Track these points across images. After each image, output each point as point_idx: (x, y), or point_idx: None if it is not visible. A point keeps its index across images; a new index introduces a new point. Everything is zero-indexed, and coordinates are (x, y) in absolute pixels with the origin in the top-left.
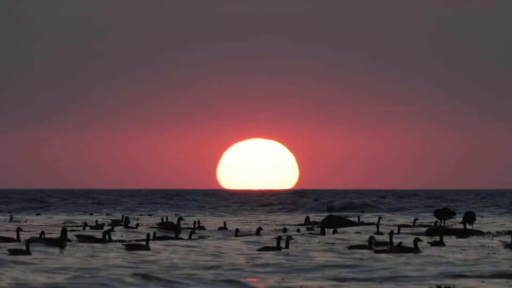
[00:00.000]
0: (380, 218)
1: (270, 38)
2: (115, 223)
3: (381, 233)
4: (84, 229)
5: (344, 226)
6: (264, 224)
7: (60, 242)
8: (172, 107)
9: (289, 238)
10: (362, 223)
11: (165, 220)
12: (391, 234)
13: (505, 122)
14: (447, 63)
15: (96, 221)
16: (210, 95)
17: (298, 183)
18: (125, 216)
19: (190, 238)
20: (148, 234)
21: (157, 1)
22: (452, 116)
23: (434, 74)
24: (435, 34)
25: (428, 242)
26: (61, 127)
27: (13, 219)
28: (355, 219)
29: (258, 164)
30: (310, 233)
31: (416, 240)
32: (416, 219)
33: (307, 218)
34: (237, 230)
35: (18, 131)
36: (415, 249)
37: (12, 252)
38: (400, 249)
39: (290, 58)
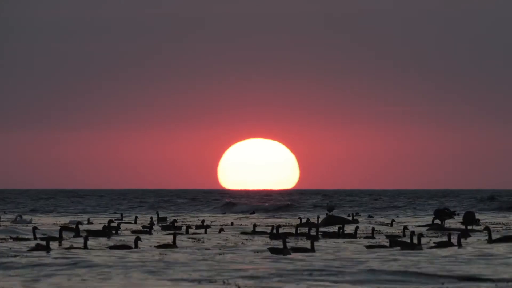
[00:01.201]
0: (393, 220)
1: (270, 38)
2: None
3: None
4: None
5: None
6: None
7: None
8: (172, 107)
9: (313, 239)
10: (357, 221)
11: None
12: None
13: (505, 122)
14: (447, 63)
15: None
16: (211, 95)
17: (298, 183)
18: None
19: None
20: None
21: (157, 1)
22: (452, 116)
23: (434, 74)
24: (435, 34)
25: (434, 243)
26: (61, 127)
27: (20, 219)
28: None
29: (259, 164)
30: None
31: (460, 236)
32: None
33: (300, 220)
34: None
35: (18, 131)
36: (458, 245)
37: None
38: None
39: (290, 58)
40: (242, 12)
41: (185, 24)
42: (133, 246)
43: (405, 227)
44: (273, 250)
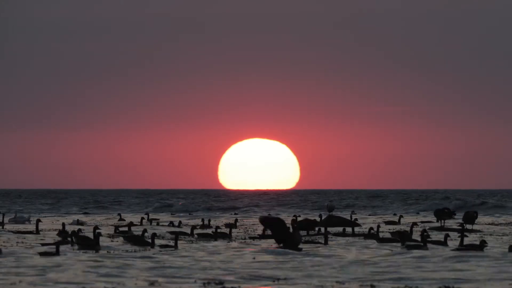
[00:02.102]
0: (401, 216)
1: (270, 38)
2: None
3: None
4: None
5: (345, 226)
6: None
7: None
8: (172, 107)
9: (326, 234)
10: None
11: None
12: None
13: (505, 122)
14: (447, 63)
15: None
16: (211, 95)
17: (299, 183)
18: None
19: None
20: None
21: (157, 1)
22: (452, 116)
23: (434, 74)
24: (435, 34)
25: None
26: (61, 127)
27: (17, 216)
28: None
29: (259, 164)
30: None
31: (483, 242)
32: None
33: (296, 218)
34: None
35: (18, 131)
36: (481, 247)
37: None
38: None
39: (290, 58)
40: (242, 12)
41: (185, 24)
42: None
43: (414, 223)
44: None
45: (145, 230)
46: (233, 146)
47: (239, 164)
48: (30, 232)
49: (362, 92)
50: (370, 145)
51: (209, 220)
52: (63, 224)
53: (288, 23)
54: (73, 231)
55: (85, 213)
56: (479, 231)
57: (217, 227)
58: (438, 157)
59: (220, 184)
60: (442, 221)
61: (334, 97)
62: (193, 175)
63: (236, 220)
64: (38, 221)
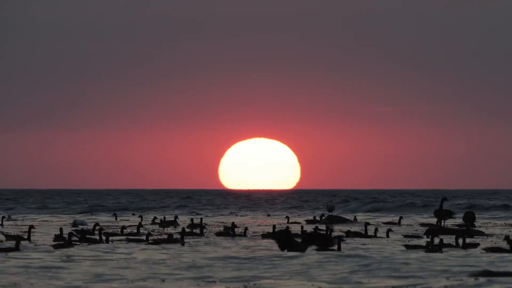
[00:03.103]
0: (401, 217)
1: (270, 38)
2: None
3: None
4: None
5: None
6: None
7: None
8: (172, 107)
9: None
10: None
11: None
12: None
13: (505, 122)
14: (447, 63)
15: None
16: (211, 95)
17: (299, 183)
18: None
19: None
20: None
21: (157, 2)
22: (452, 116)
23: (434, 74)
24: (435, 34)
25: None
26: (61, 127)
27: (11, 218)
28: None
29: (260, 164)
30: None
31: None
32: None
33: (288, 219)
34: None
35: (18, 131)
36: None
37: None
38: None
39: (290, 58)
40: (242, 12)
41: (185, 24)
42: None
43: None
44: (290, 248)
45: (149, 234)
46: (233, 146)
47: (239, 164)
48: (21, 238)
49: (362, 92)
50: (370, 145)
51: (201, 219)
52: (61, 229)
53: (288, 23)
54: (70, 233)
55: (84, 212)
56: (482, 232)
57: (202, 227)
58: (438, 157)
59: (220, 184)
60: (442, 221)
61: (334, 97)
62: (193, 175)
63: (233, 224)
64: (31, 227)
